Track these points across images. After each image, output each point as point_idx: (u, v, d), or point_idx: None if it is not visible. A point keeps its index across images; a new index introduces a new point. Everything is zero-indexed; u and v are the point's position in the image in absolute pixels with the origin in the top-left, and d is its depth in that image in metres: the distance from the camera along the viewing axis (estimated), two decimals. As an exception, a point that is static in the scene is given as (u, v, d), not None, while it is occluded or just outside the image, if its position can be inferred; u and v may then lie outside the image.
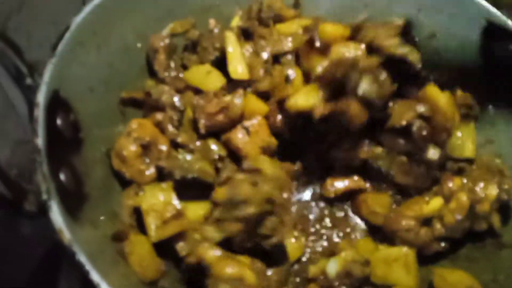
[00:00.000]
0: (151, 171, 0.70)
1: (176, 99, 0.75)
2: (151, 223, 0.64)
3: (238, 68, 0.76)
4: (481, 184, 0.70)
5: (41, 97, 0.58)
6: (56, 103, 0.61)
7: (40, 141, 0.56)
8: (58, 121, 0.61)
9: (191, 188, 0.68)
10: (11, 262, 0.90)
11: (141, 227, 0.66)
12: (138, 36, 0.76)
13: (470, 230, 0.70)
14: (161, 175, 0.70)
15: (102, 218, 0.64)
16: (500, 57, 0.73)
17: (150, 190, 0.67)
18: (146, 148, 0.71)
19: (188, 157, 0.70)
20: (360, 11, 0.81)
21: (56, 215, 0.53)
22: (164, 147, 0.72)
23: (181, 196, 0.67)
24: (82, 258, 0.51)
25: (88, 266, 0.51)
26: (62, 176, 0.57)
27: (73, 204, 0.58)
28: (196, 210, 0.67)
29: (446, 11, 0.76)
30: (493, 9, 0.73)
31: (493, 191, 0.69)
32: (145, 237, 0.65)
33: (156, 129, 0.74)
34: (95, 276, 0.51)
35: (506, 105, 0.74)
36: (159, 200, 0.66)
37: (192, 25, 0.83)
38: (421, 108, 0.72)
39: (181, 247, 0.65)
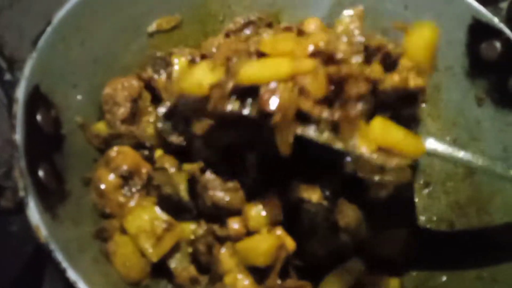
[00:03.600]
0: (133, 203, 0.66)
1: None
2: (145, 244, 0.62)
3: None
4: None
5: (20, 92, 0.57)
6: (37, 99, 0.60)
7: (18, 137, 0.55)
8: (38, 117, 0.60)
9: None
10: (-2, 259, 0.89)
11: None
12: (122, 32, 0.75)
13: None
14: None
15: (84, 215, 0.64)
16: (486, 55, 0.72)
17: (132, 213, 0.64)
18: (127, 179, 0.67)
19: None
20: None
21: (33, 212, 0.52)
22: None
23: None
24: (59, 255, 0.51)
25: (65, 264, 0.50)
26: (41, 173, 0.57)
27: (52, 201, 0.57)
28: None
29: (433, 9, 0.75)
30: (479, 7, 0.72)
31: None
32: (130, 238, 0.63)
33: (138, 156, 0.69)
34: (71, 274, 0.50)
35: (491, 103, 0.73)
36: (144, 220, 0.63)
37: (179, 21, 0.82)
38: None
39: (176, 263, 0.64)
